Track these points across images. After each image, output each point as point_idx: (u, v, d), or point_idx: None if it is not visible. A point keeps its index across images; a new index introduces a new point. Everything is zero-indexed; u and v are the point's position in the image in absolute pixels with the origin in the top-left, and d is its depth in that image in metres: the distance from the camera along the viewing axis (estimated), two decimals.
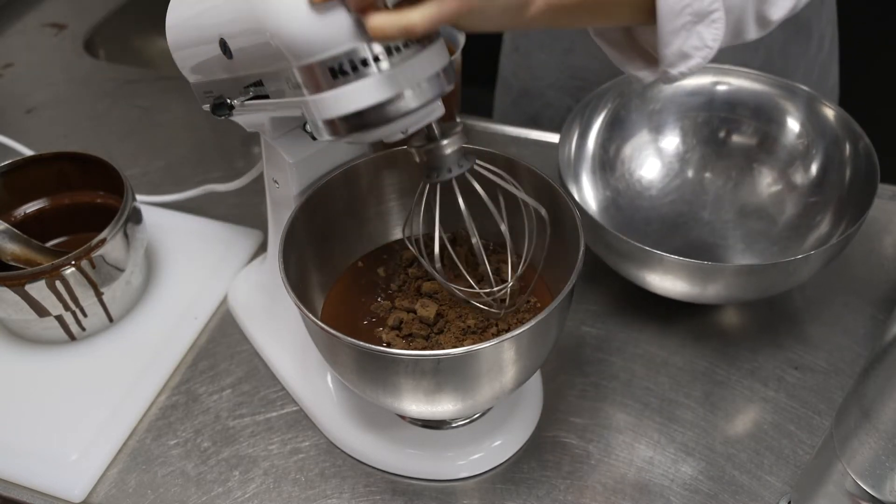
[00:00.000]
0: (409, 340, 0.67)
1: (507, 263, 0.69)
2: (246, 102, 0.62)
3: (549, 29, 1.02)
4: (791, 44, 1.00)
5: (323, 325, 0.58)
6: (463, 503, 0.69)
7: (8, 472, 0.72)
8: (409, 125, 0.56)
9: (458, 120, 0.58)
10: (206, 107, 0.66)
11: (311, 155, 0.68)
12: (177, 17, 0.64)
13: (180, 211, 0.93)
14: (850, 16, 1.13)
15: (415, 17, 0.49)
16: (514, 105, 1.14)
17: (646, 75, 0.63)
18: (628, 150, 0.90)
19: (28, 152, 0.94)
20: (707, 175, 0.90)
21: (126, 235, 0.78)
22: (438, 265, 0.64)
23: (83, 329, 0.80)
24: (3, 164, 0.82)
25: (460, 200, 0.61)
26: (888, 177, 0.82)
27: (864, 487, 0.54)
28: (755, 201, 0.88)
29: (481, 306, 0.66)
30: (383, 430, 0.71)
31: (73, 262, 0.74)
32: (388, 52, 0.52)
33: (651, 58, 0.63)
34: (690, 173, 0.90)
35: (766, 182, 0.88)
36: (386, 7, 0.50)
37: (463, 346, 0.64)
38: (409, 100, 0.53)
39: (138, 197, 0.82)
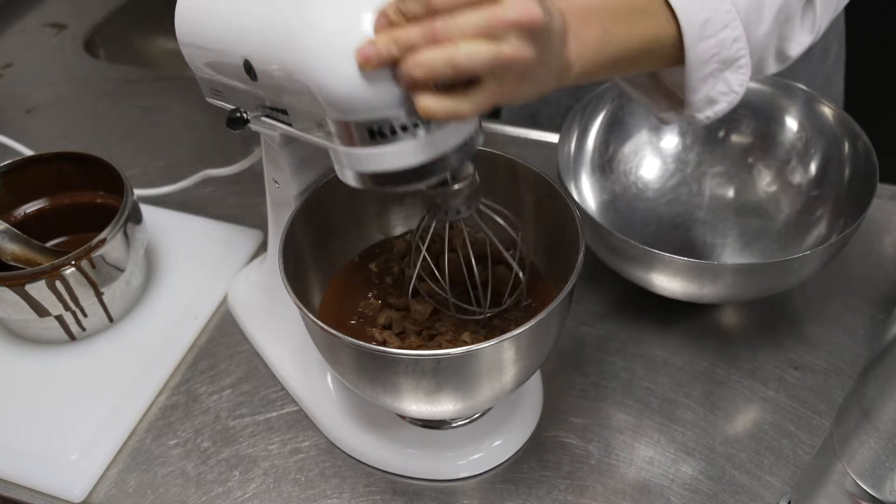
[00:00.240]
0: (402, 337, 0.67)
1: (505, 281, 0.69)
2: (263, 119, 0.60)
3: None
4: None
5: (323, 325, 0.58)
6: (463, 503, 0.69)
7: (8, 472, 0.72)
8: (435, 182, 0.56)
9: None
10: (212, 100, 0.65)
11: (311, 155, 0.68)
12: (188, 9, 0.62)
13: (180, 211, 0.93)
14: (851, 15, 1.13)
15: (465, 106, 0.49)
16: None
17: (671, 117, 0.65)
18: (628, 149, 0.90)
19: (28, 152, 0.94)
20: (706, 174, 0.90)
21: (126, 235, 0.78)
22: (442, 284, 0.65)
23: (83, 329, 0.80)
24: (3, 164, 0.82)
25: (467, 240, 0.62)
26: (887, 176, 0.82)
27: (864, 487, 0.54)
28: (754, 201, 0.88)
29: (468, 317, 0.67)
30: (383, 430, 0.71)
31: (73, 262, 0.74)
32: (427, 121, 0.51)
33: (675, 97, 0.64)
34: (690, 173, 0.90)
35: (766, 181, 0.88)
36: (435, 88, 0.49)
37: (460, 338, 0.64)
38: (441, 164, 0.54)
39: (136, 192, 0.82)
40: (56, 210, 0.85)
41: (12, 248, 0.79)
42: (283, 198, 0.70)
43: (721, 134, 0.90)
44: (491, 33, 0.47)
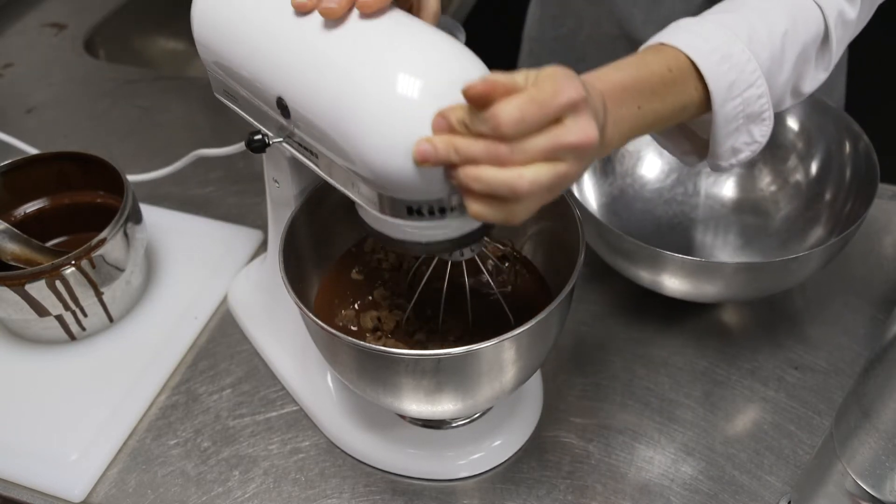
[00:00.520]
0: (395, 337, 0.67)
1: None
2: (286, 146, 0.59)
3: (560, 41, 1.06)
4: None
5: (323, 325, 0.58)
6: (463, 503, 0.69)
7: (8, 472, 0.72)
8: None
9: None
10: (221, 98, 0.64)
11: None
12: (205, 8, 0.58)
13: (180, 211, 0.93)
14: None
15: (518, 215, 0.48)
16: None
17: (693, 161, 0.67)
18: (628, 148, 0.90)
19: (31, 150, 0.94)
20: (706, 174, 0.90)
21: (126, 235, 0.78)
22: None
23: (83, 329, 0.80)
24: (3, 163, 0.82)
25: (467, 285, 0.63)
26: (888, 176, 0.82)
27: (864, 487, 0.54)
28: (755, 201, 0.88)
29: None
30: (383, 430, 0.71)
31: (73, 262, 0.74)
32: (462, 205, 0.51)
33: (697, 139, 0.65)
34: (690, 172, 0.90)
35: (766, 181, 0.88)
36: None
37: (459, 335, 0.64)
38: (463, 240, 0.55)
39: (129, 178, 0.81)
40: (56, 210, 0.85)
41: (12, 247, 0.79)
42: (283, 197, 0.70)
43: None
44: (551, 156, 0.47)
